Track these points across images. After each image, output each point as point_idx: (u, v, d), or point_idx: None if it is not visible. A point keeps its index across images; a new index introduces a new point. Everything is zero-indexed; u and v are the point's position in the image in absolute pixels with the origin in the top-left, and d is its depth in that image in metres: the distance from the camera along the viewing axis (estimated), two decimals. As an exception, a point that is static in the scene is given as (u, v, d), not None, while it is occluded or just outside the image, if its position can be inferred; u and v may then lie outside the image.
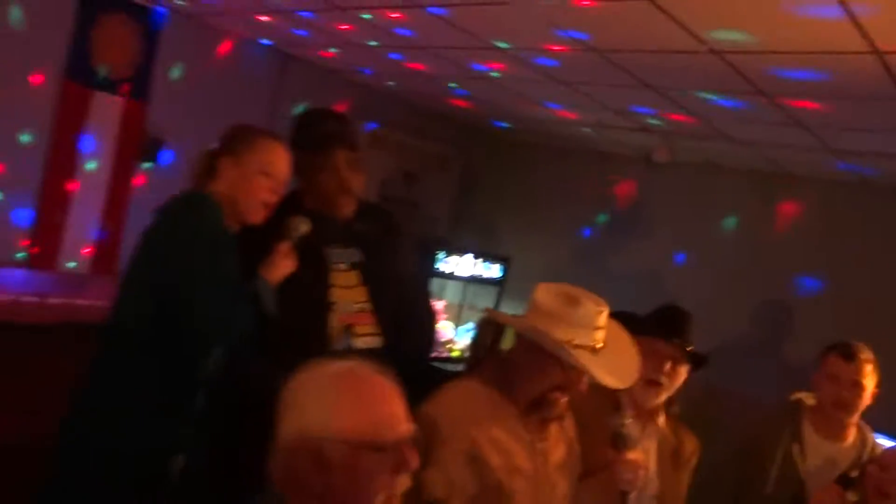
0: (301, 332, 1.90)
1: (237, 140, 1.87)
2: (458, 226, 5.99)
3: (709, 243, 4.66)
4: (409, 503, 1.22)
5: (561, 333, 1.52)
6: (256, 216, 1.87)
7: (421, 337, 2.11)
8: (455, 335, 5.35)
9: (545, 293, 1.59)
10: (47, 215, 4.10)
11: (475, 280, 5.46)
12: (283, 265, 1.86)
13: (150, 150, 4.35)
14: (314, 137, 1.99)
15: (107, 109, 4.14)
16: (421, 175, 5.66)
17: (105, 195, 4.29)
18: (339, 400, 1.12)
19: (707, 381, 2.77)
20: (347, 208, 2.06)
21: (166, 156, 4.41)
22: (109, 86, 4.10)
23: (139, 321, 1.76)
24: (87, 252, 4.33)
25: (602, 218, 5.26)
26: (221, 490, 1.76)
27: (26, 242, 4.07)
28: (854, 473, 2.11)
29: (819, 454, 2.30)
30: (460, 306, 5.59)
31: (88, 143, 4.11)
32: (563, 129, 4.78)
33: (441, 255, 4.99)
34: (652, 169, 4.64)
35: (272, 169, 1.86)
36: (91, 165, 4.18)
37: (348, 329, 1.96)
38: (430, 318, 2.20)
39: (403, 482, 1.15)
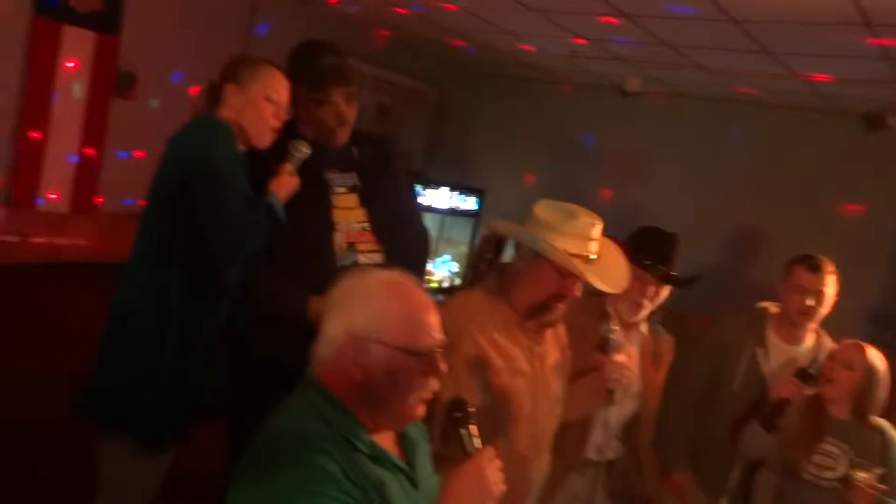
0: (309, 250, 2.01)
1: (240, 69, 1.94)
2: (433, 159, 6.06)
3: (679, 171, 4.84)
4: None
5: (559, 243, 1.66)
6: (264, 140, 1.96)
7: (417, 251, 2.24)
8: (433, 267, 5.50)
9: (544, 207, 1.72)
10: (24, 154, 4.07)
11: (451, 213, 5.59)
12: (288, 183, 1.97)
13: (124, 85, 4.31)
14: (312, 74, 2.05)
15: (78, 44, 4.07)
16: (395, 108, 5.69)
17: (81, 133, 4.26)
18: (386, 306, 1.23)
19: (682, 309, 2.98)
20: (343, 137, 2.15)
21: (141, 91, 4.37)
22: (79, 19, 4.02)
23: (164, 242, 1.85)
24: (64, 191, 4.32)
25: (575, 148, 5.38)
26: (248, 395, 1.88)
27: (3, 182, 4.04)
28: (812, 370, 2.34)
29: (781, 356, 2.52)
30: (437, 239, 5.72)
31: (62, 79, 4.05)
32: (535, 60, 4.84)
33: (417, 188, 5.08)
34: (624, 99, 4.75)
35: (276, 95, 1.95)
36: (66, 102, 4.13)
37: (352, 246, 2.08)
38: (424, 233, 2.34)
39: (434, 385, 1.28)
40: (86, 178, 4.32)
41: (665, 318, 2.44)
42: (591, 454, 2.20)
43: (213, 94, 1.95)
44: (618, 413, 2.17)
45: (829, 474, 2.21)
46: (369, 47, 5.18)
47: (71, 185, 4.28)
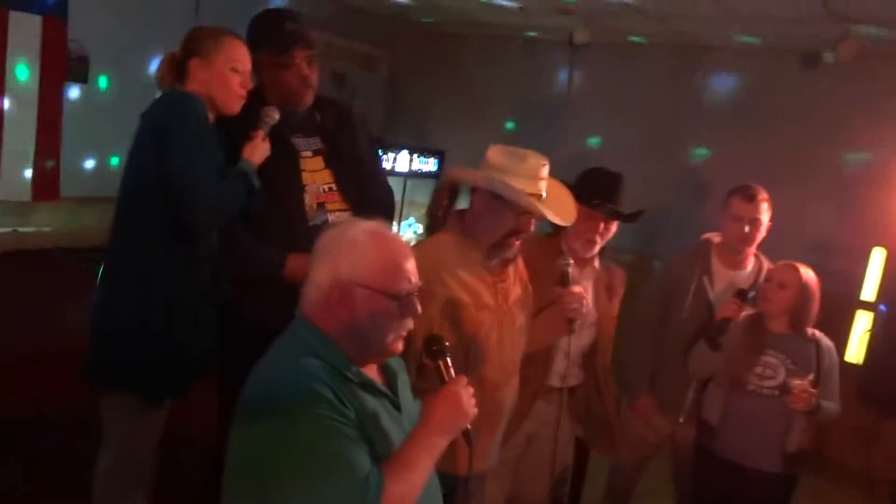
0: (282, 211, 2.14)
1: (202, 42, 2.01)
2: (391, 124, 6.13)
3: (627, 120, 5.01)
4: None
5: (513, 183, 1.81)
6: (233, 108, 2.06)
7: (383, 207, 2.37)
8: (399, 230, 5.62)
9: (496, 152, 1.88)
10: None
11: (413, 175, 5.70)
12: (261, 148, 2.07)
13: (77, 69, 4.29)
14: (276, 38, 2.15)
15: (26, 29, 4.03)
16: (349, 75, 5.74)
17: (38, 120, 4.24)
18: (369, 253, 1.36)
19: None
20: (308, 100, 2.26)
21: (95, 75, 4.36)
22: (24, 4, 3.99)
23: (141, 213, 1.95)
24: (26, 179, 4.31)
25: (528, 105, 5.50)
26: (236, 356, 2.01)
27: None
28: (752, 291, 2.57)
29: (724, 281, 2.75)
30: (401, 202, 5.83)
31: (12, 66, 4.02)
32: (488, 17, 4.93)
33: (378, 152, 5.16)
34: (573, 51, 4.89)
35: (241, 66, 2.04)
36: (19, 90, 4.11)
37: (322, 206, 2.21)
38: (388, 191, 2.48)
39: (409, 325, 1.43)
40: (48, 166, 4.32)
41: (617, 256, 2.64)
42: (554, 382, 2.40)
43: (177, 69, 2.04)
44: (577, 342, 2.35)
45: (769, 383, 2.45)
46: (319, 14, 5.20)
47: (33, 172, 4.28)
